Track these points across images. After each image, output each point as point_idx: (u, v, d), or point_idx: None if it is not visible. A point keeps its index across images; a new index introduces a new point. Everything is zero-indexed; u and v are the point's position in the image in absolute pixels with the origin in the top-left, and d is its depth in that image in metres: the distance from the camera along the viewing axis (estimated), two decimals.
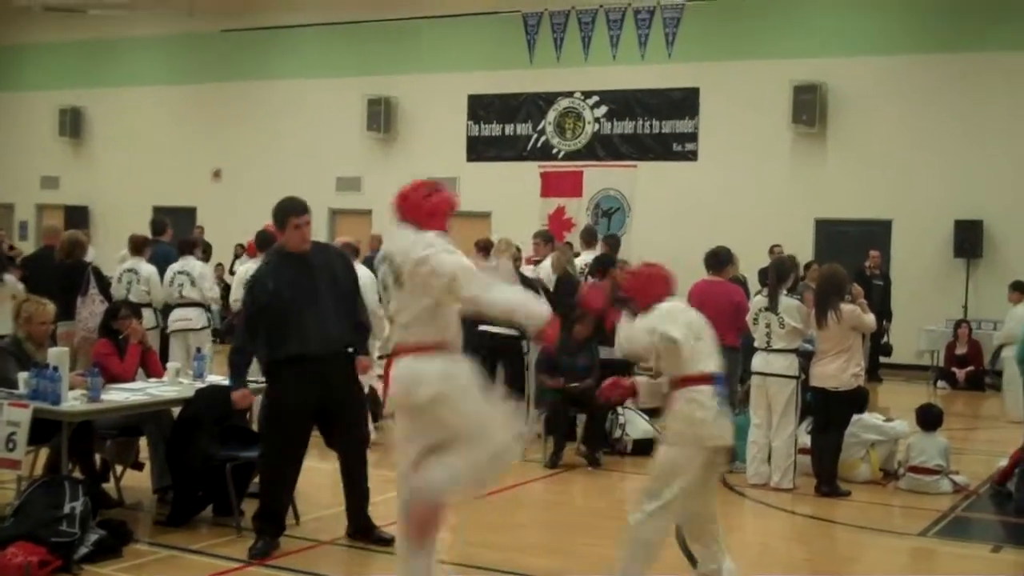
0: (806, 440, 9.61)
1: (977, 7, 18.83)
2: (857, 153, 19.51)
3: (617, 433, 10.73)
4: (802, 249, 18.56)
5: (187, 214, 23.22)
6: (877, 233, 19.19)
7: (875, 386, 17.21)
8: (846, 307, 9.25)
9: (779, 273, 9.60)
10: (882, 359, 17.90)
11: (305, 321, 6.88)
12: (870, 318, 9.47)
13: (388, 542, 7.11)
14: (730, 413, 6.27)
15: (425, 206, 5.53)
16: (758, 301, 9.59)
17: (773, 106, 19.73)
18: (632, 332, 6.20)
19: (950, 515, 8.84)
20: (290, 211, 6.92)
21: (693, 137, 20.68)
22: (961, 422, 13.92)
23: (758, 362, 9.41)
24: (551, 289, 11.42)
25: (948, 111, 18.95)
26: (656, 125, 20.95)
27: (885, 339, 17.85)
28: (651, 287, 6.30)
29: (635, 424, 10.78)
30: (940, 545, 8.11)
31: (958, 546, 8.12)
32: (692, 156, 20.69)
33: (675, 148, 20.79)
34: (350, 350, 7.24)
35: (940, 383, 17.26)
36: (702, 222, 18.83)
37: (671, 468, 5.95)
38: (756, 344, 9.49)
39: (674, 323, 6.04)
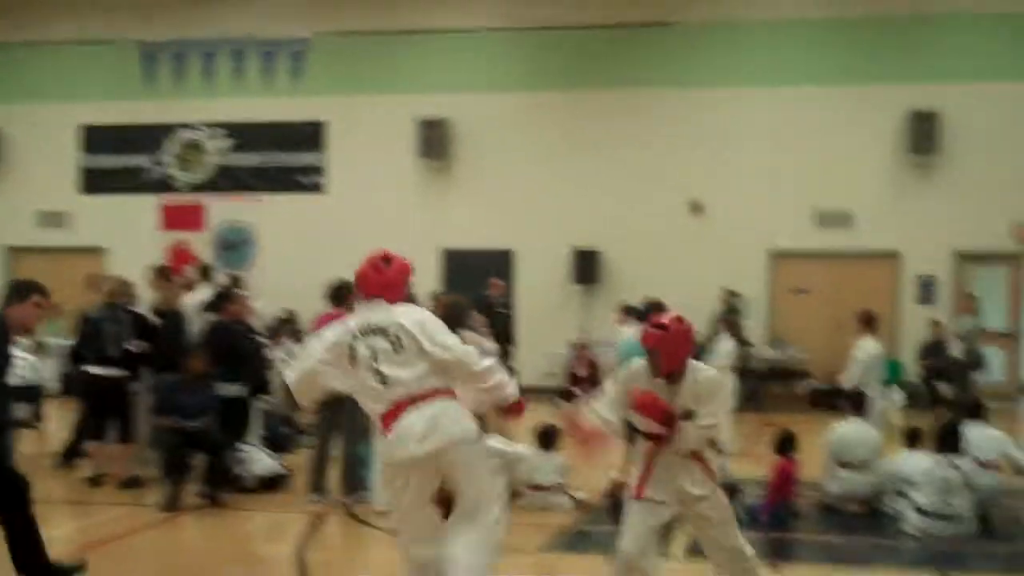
0: None
1: (591, 48, 19.96)
2: (481, 185, 20.12)
3: (239, 471, 10.38)
4: (430, 279, 18.89)
5: None
6: (501, 262, 19.81)
7: None
8: (467, 335, 9.38)
9: None
10: None
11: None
12: (490, 347, 9.65)
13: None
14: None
15: (382, 281, 5.92)
16: None
17: (399, 140, 20.03)
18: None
19: (569, 529, 9.12)
20: (35, 289, 6.97)
21: (320, 170, 20.63)
22: None
23: None
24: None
25: (565, 145, 19.92)
26: (282, 158, 20.75)
27: (511, 364, 18.34)
28: (684, 347, 6.15)
29: (257, 461, 10.48)
30: (559, 560, 8.34)
31: (577, 559, 8.39)
32: (319, 188, 20.65)
33: (302, 180, 20.68)
34: None
35: (563, 403, 17.91)
36: (329, 255, 18.66)
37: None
38: None
39: None
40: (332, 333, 5.99)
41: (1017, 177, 18.52)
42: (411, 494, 5.77)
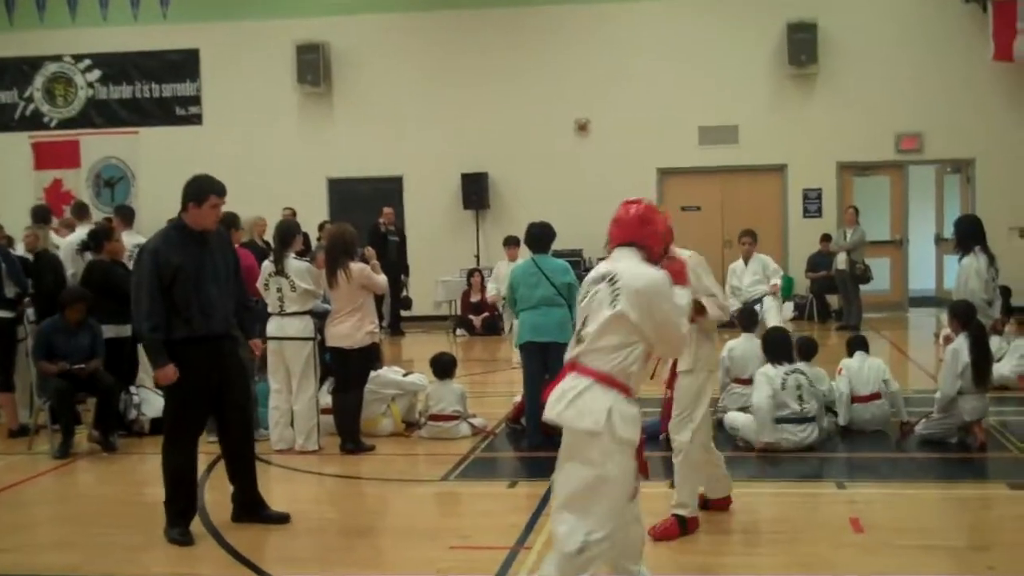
0: (328, 400, 9.54)
1: None
2: (365, 111, 19.77)
3: (132, 414, 10.16)
4: (317, 209, 18.65)
5: None
6: (389, 189, 19.57)
7: (398, 340, 17.57)
8: (355, 266, 9.22)
9: (283, 236, 9.42)
10: (403, 313, 18.29)
11: (211, 299, 6.82)
12: (381, 279, 9.49)
13: (282, 519, 7.18)
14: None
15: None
16: (266, 266, 9.35)
17: (277, 66, 19.56)
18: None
19: (470, 457, 9.10)
20: (212, 191, 6.88)
21: (196, 100, 20.08)
22: (481, 366, 14.46)
23: (273, 327, 9.19)
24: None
25: (449, 67, 19.64)
26: (156, 89, 20.19)
27: (405, 293, 18.23)
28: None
29: (151, 403, 10.22)
30: (461, 487, 8.31)
31: (478, 486, 8.36)
32: (197, 120, 20.15)
33: (178, 112, 20.15)
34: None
35: (459, 331, 17.88)
36: None
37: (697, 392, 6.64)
38: (269, 309, 9.25)
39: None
40: None
41: (896, 86, 18.79)
42: None
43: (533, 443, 9.23)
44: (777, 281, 12.60)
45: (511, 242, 15.26)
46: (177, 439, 6.93)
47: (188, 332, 6.75)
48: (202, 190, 6.87)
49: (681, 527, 6.57)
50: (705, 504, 7.06)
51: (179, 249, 6.79)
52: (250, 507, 7.23)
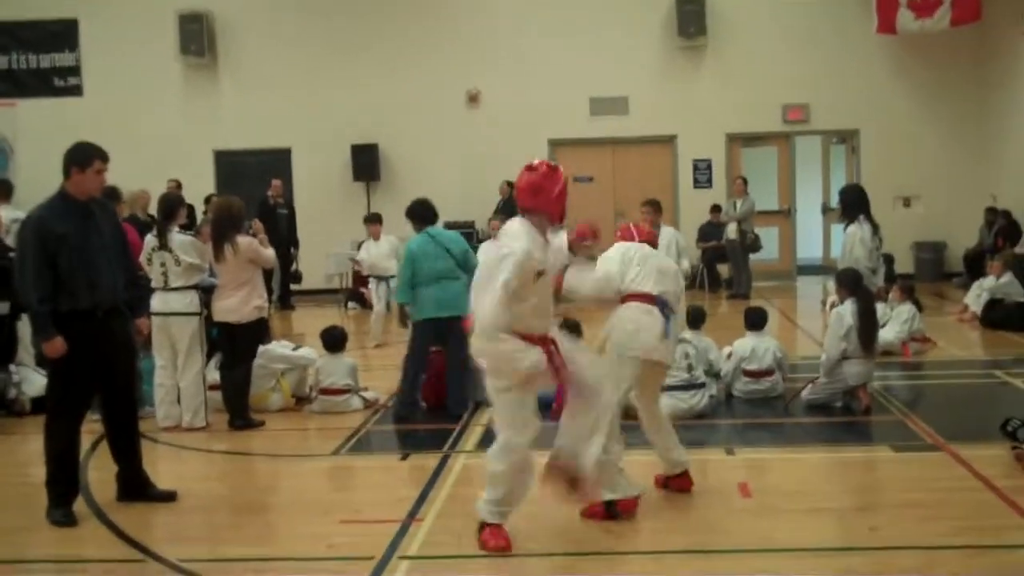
0: (216, 376, 9.37)
1: None
2: (251, 82, 19.45)
3: (12, 393, 9.86)
4: (204, 182, 18.32)
5: None
6: (278, 161, 19.27)
7: (288, 314, 17.35)
8: (243, 240, 9.06)
9: (166, 209, 9.18)
10: (293, 286, 18.06)
11: (98, 270, 6.61)
12: (269, 252, 9.34)
13: (169, 497, 7.00)
14: None
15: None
16: (149, 240, 9.11)
17: (159, 36, 19.13)
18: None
19: (361, 430, 9.02)
20: (96, 155, 6.67)
21: (76, 71, 19.54)
22: (372, 339, 14.31)
23: (157, 302, 8.94)
24: None
25: (337, 37, 19.48)
26: (34, 59, 19.60)
27: (295, 266, 18.00)
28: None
29: (31, 381, 9.92)
30: (353, 461, 8.24)
31: (370, 459, 8.30)
32: (77, 91, 19.62)
33: (57, 83, 19.58)
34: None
35: (351, 304, 17.70)
36: None
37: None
38: (153, 284, 9.02)
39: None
40: None
41: (782, 58, 19.07)
42: None
43: (400, 415, 9.25)
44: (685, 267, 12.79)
45: (373, 219, 14.68)
46: (60, 417, 6.71)
47: (73, 305, 6.53)
48: (86, 155, 6.65)
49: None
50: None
51: (64, 218, 6.55)
52: (135, 486, 7.04)
